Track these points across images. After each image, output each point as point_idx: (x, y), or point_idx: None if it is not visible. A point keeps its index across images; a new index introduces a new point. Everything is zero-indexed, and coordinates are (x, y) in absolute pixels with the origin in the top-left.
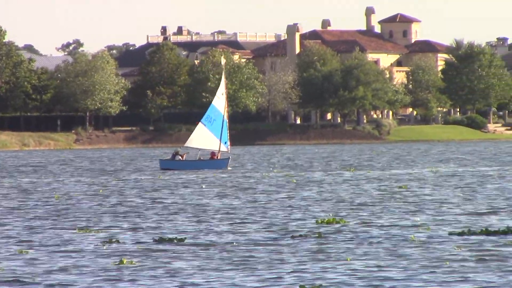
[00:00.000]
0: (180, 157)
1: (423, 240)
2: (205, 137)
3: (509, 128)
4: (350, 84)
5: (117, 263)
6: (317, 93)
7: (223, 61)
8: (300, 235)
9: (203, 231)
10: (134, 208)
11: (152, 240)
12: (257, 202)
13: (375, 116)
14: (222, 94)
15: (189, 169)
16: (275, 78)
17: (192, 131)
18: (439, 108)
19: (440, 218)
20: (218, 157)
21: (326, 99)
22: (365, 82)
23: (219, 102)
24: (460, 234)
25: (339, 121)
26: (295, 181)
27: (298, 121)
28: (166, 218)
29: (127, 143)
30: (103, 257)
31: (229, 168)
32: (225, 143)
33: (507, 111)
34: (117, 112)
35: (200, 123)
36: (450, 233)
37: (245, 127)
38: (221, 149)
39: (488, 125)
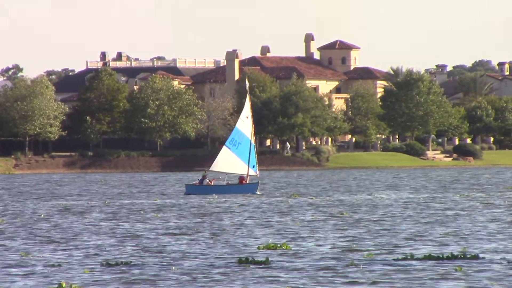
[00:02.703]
0: (208, 182)
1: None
2: (231, 161)
3: (447, 155)
4: (289, 110)
5: (55, 287)
6: (256, 120)
7: (247, 84)
8: (247, 259)
9: (154, 255)
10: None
11: (99, 265)
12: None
13: (314, 142)
14: (247, 117)
15: (217, 194)
16: (214, 104)
17: (131, 157)
18: (378, 135)
19: (388, 244)
20: (247, 181)
21: (265, 125)
22: (304, 108)
23: (244, 126)
24: (404, 259)
25: (278, 147)
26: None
27: None
28: (117, 243)
29: (67, 168)
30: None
31: (258, 193)
32: (253, 167)
33: (446, 138)
34: (56, 137)
35: (224, 146)
36: (396, 259)
37: (184, 153)
38: (249, 173)
39: (427, 152)
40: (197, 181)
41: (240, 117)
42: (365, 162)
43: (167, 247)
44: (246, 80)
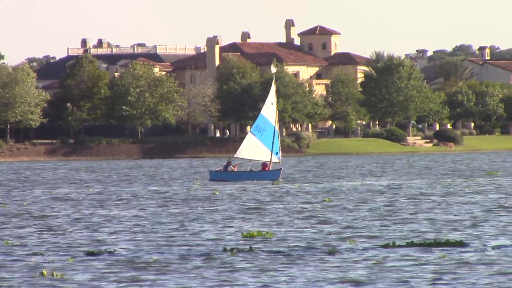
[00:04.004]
0: (232, 168)
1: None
2: (256, 148)
3: (428, 140)
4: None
5: (37, 275)
6: (236, 106)
7: (273, 69)
8: (232, 249)
9: (137, 244)
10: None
11: (83, 253)
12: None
13: (294, 129)
14: (272, 103)
15: (240, 180)
16: (195, 91)
17: (112, 144)
18: (358, 121)
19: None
20: (270, 168)
21: (246, 112)
22: (285, 94)
23: (269, 112)
24: (385, 246)
25: None
26: (217, 192)
27: (218, 134)
28: (96, 231)
29: (48, 156)
30: (26, 269)
31: (280, 179)
32: (277, 153)
33: (426, 124)
34: (37, 124)
35: (249, 133)
36: (379, 245)
37: (165, 140)
38: (272, 160)
39: (408, 138)
40: (222, 168)
41: (266, 103)
42: (345, 148)
43: (153, 234)
44: (273, 65)
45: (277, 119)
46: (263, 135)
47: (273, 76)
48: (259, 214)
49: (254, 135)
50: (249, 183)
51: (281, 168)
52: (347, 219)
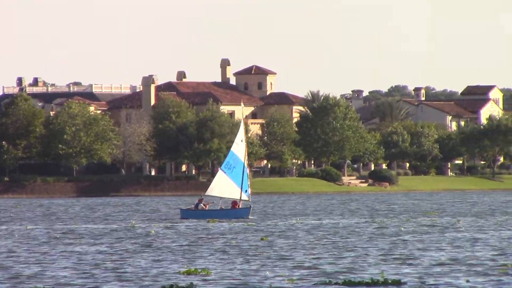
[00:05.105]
0: (203, 206)
1: None
2: (226, 185)
3: (363, 180)
4: (205, 136)
5: None
6: (172, 145)
7: (242, 105)
8: (171, 286)
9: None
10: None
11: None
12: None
13: None
14: (242, 140)
15: (210, 219)
16: (130, 129)
17: (47, 182)
18: (293, 161)
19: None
20: (240, 206)
21: (181, 151)
22: (220, 134)
23: (239, 149)
24: (323, 283)
25: (194, 172)
26: (153, 231)
27: (153, 173)
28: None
29: None
30: None
31: (250, 217)
32: (246, 191)
33: (361, 164)
34: None
35: (220, 170)
36: (315, 284)
37: (100, 178)
38: (242, 198)
39: (343, 177)
40: (193, 206)
41: (235, 140)
42: (280, 187)
43: (93, 274)
44: (242, 103)
45: (246, 156)
46: (233, 172)
47: (242, 113)
48: (194, 252)
49: (225, 172)
50: (201, 221)
51: (250, 206)
52: (289, 255)
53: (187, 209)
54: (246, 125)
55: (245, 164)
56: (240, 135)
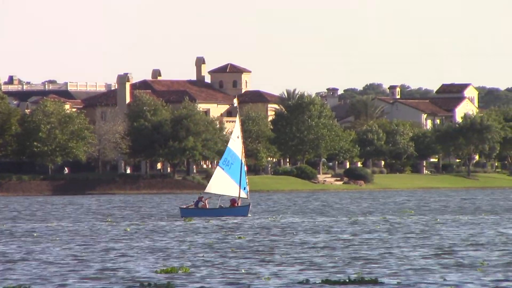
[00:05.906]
0: (203, 203)
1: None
2: (225, 182)
3: (338, 178)
4: (180, 134)
5: None
6: (147, 143)
7: (235, 102)
8: (149, 284)
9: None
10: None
11: None
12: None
13: (205, 166)
14: (238, 137)
15: (210, 217)
16: (106, 127)
17: (22, 180)
18: (269, 159)
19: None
20: (239, 204)
21: (156, 149)
22: (195, 132)
23: (236, 145)
24: (301, 283)
25: (169, 171)
26: (128, 229)
27: (128, 171)
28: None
29: None
30: None
31: (249, 216)
32: (244, 188)
33: (337, 162)
34: None
35: (218, 166)
36: (293, 282)
37: (75, 176)
38: (241, 195)
39: (318, 175)
40: (193, 204)
41: (232, 136)
42: (255, 185)
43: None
44: (236, 100)
45: (244, 153)
46: (231, 168)
47: (237, 109)
48: (169, 251)
49: (223, 168)
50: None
51: (249, 204)
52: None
53: (187, 208)
54: (221, 123)
55: (243, 161)
56: (236, 131)
